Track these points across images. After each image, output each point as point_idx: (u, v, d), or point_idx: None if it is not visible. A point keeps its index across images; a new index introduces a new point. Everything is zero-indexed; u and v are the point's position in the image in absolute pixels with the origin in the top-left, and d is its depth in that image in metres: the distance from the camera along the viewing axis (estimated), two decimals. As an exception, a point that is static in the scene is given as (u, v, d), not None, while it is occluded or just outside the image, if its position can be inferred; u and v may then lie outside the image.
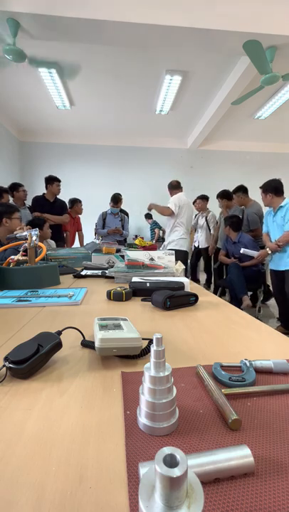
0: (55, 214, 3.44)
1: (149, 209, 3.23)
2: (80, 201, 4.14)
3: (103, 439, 0.30)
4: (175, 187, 3.28)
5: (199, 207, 4.50)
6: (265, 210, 3.45)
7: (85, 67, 3.89)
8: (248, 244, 3.16)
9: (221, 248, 3.63)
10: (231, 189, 4.05)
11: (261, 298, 3.24)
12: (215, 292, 3.66)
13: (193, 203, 4.35)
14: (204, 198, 4.51)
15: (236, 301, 3.00)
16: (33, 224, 2.42)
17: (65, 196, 3.88)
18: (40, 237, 2.35)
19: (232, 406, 0.33)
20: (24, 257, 1.21)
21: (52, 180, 3.53)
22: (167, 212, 3.11)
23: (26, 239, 1.23)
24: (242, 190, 3.59)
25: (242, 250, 3.02)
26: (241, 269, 3.06)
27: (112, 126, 5.85)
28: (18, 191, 3.47)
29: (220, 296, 3.48)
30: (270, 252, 2.70)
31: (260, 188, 2.76)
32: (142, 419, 0.31)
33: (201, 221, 4.51)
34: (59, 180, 3.56)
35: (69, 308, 0.81)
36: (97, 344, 0.46)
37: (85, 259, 1.81)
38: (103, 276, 1.35)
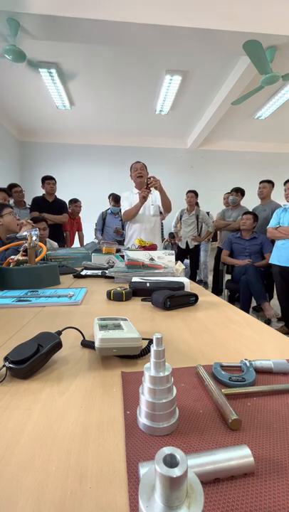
0: (53, 214, 3.44)
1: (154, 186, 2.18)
2: (75, 201, 4.11)
3: (103, 439, 0.30)
4: None
5: (190, 201, 4.12)
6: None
7: (85, 67, 3.89)
8: (265, 240, 3.10)
9: (223, 247, 3.39)
10: (229, 189, 4.02)
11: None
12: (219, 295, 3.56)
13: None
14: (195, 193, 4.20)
15: (247, 307, 2.85)
16: None
17: (65, 196, 3.88)
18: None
19: (232, 406, 0.33)
20: (24, 257, 1.21)
21: (43, 180, 3.51)
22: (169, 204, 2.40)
23: (26, 239, 1.23)
24: (272, 183, 3.49)
25: None
26: (258, 270, 2.91)
27: (112, 126, 5.84)
28: None
29: (231, 302, 3.28)
30: None
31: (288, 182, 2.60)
32: (142, 419, 0.31)
33: (190, 219, 4.14)
34: (51, 178, 3.52)
35: (69, 308, 0.81)
36: (97, 344, 0.46)
37: (85, 259, 1.81)
38: (103, 276, 1.35)
